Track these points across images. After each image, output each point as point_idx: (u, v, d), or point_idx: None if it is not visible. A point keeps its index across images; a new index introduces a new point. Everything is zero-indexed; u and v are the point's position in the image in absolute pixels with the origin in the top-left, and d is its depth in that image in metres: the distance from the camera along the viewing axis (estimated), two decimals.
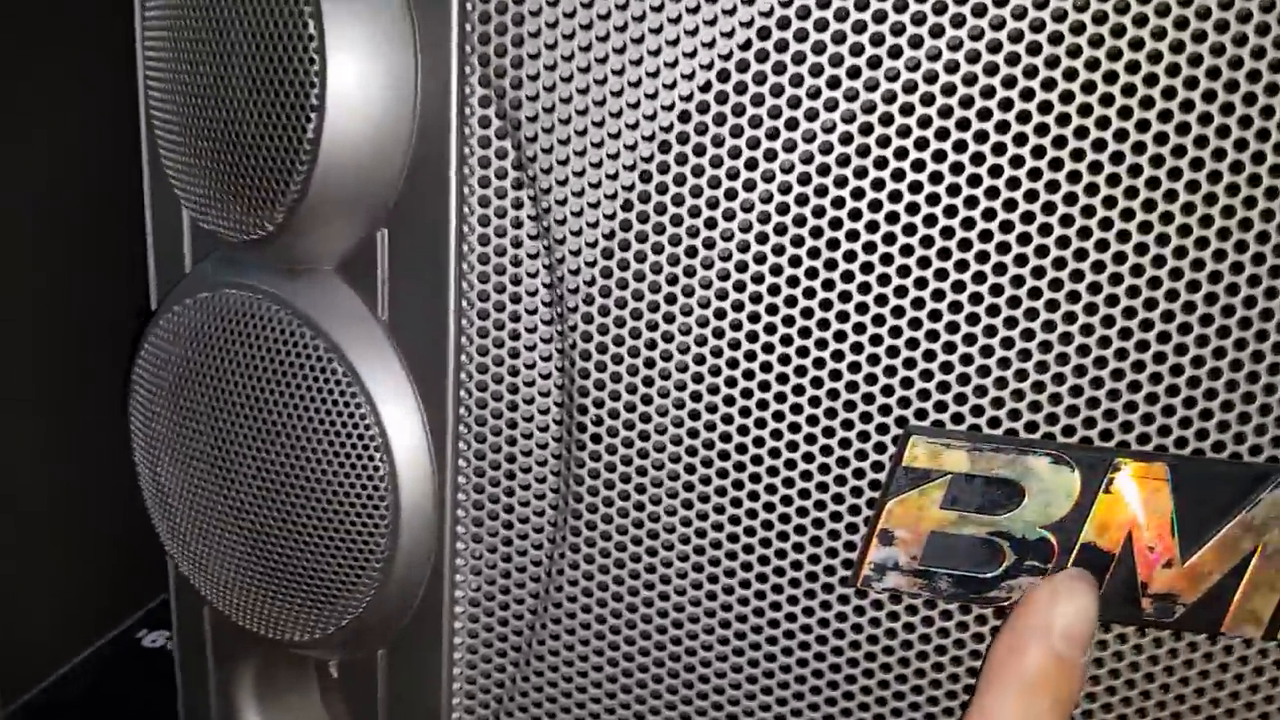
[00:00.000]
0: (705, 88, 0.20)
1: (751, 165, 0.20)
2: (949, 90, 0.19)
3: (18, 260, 0.32)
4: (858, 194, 0.20)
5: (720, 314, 0.21)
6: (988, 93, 0.19)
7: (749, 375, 0.21)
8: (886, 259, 0.20)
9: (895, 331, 0.20)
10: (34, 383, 0.34)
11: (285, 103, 0.21)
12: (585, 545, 0.23)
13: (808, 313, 0.20)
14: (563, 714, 0.24)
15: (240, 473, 0.25)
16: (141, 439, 0.27)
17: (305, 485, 0.24)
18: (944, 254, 0.20)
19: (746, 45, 0.19)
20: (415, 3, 0.21)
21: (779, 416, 0.21)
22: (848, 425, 0.21)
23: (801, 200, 0.20)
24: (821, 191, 0.20)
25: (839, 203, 0.20)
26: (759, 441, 0.21)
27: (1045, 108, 0.19)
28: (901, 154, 0.19)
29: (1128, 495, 0.21)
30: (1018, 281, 0.20)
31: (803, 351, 0.21)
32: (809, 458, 0.21)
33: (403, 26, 0.21)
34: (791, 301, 0.20)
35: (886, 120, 0.19)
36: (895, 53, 0.19)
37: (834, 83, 0.19)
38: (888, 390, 0.20)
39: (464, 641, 0.24)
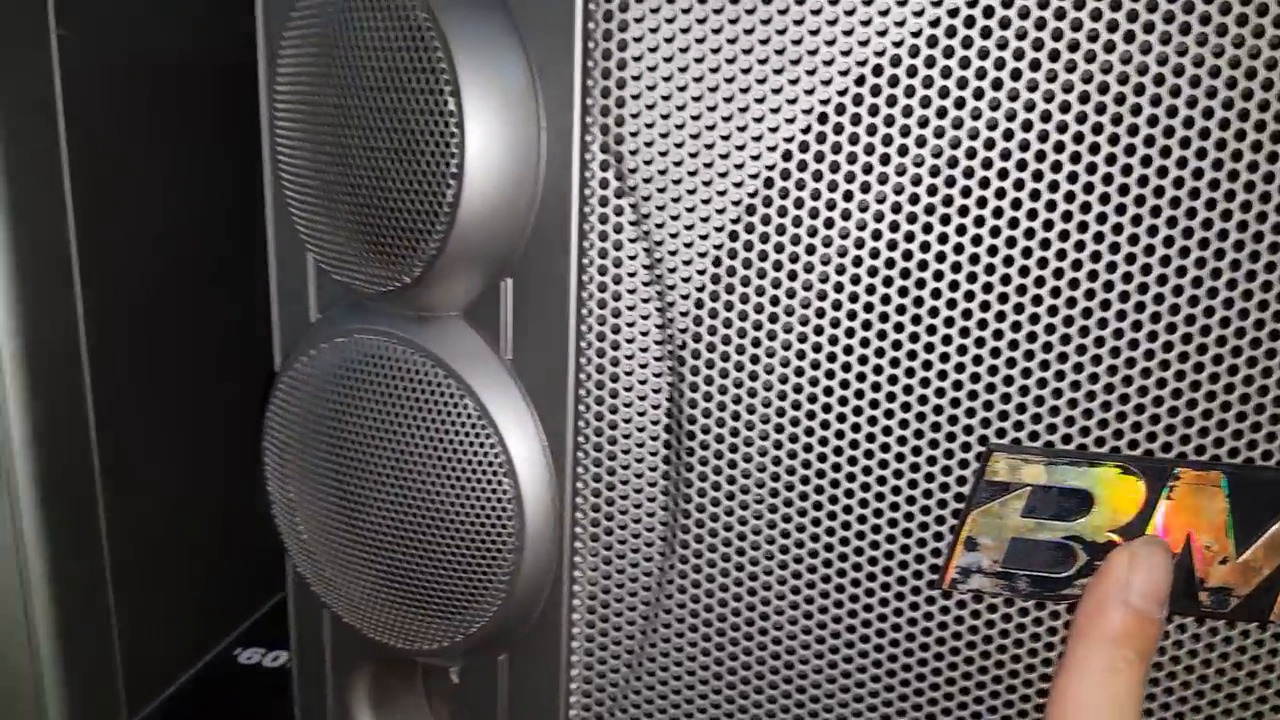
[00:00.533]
0: (803, 147, 0.22)
1: (844, 215, 0.22)
2: (1027, 127, 0.21)
3: (131, 318, 0.35)
4: (943, 238, 0.22)
5: (816, 347, 0.23)
6: (1061, 128, 0.21)
7: (843, 401, 0.23)
8: (969, 296, 0.22)
9: (978, 360, 0.23)
10: (153, 422, 0.36)
11: (426, 170, 0.24)
12: (693, 556, 0.25)
13: (897, 344, 0.23)
14: (672, 709, 0.27)
15: (375, 499, 0.27)
16: (275, 473, 0.29)
17: (438, 508, 0.26)
18: (1021, 290, 0.22)
19: (844, 92, 0.22)
20: (540, 78, 0.24)
21: (871, 438, 0.24)
22: (934, 444, 0.23)
23: (890, 243, 0.22)
24: (911, 219, 0.22)
25: (925, 239, 0.22)
26: (853, 460, 0.24)
27: (1110, 160, 0.21)
28: (985, 183, 0.22)
29: (1187, 500, 0.23)
30: (1087, 314, 0.22)
31: (893, 379, 0.23)
32: (898, 474, 0.24)
33: (528, 99, 0.24)
34: (882, 335, 0.23)
35: (970, 154, 0.22)
36: (979, 94, 0.21)
37: (923, 122, 0.22)
38: (970, 412, 0.23)
39: (581, 645, 0.27)
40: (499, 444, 0.26)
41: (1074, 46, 0.21)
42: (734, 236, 0.23)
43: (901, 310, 0.23)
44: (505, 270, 0.25)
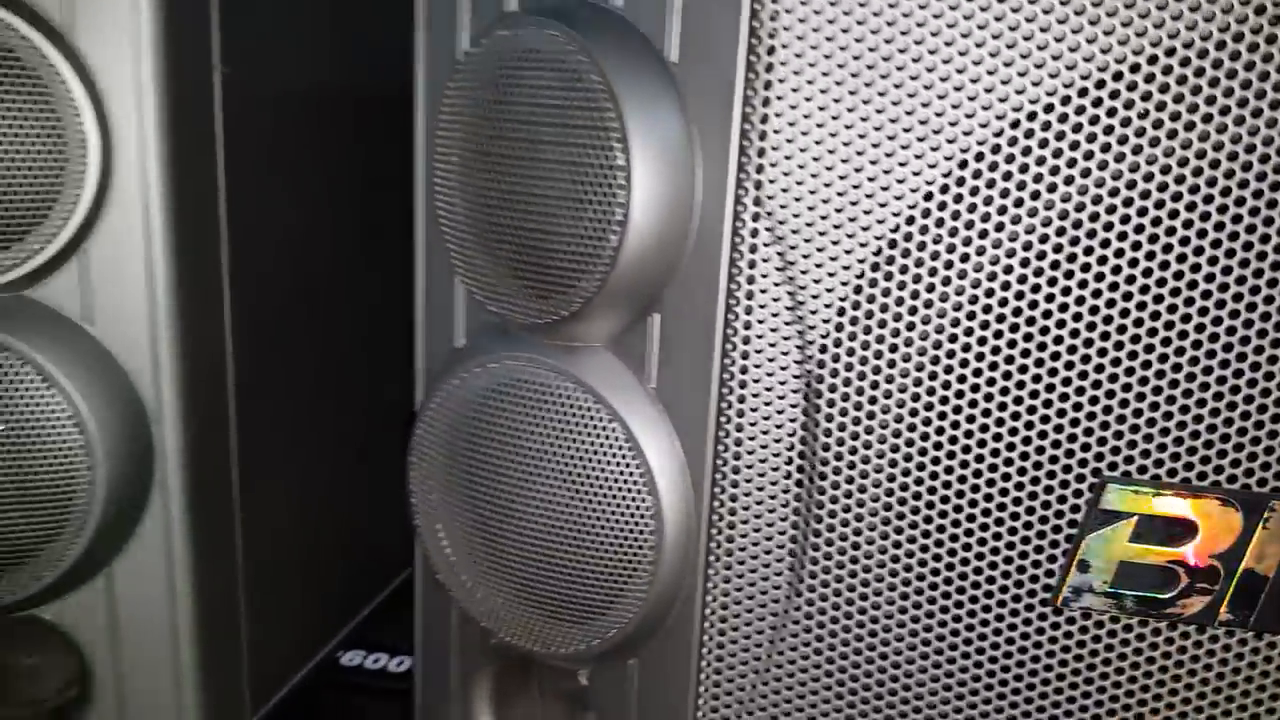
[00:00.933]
0: (940, 206, 0.25)
1: (976, 268, 0.25)
2: (1145, 195, 0.24)
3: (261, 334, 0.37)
4: (1065, 290, 0.25)
5: (945, 384, 0.26)
6: (1176, 197, 0.24)
7: (969, 434, 0.26)
8: (1088, 342, 0.25)
9: (1094, 400, 0.25)
10: (281, 437, 0.39)
11: (593, 218, 0.26)
12: (821, 572, 0.28)
13: (1020, 384, 0.25)
14: (795, 717, 0.29)
15: (520, 512, 0.29)
16: (420, 486, 0.31)
17: (584, 521, 0.28)
18: (1135, 339, 0.25)
19: (980, 157, 0.24)
20: (697, 134, 0.26)
21: (993, 468, 0.26)
22: (1051, 475, 0.26)
23: (1018, 293, 0.25)
24: (1038, 273, 0.25)
25: (1050, 290, 0.24)
26: (975, 488, 0.26)
27: (1219, 226, 0.24)
28: (1105, 244, 0.24)
29: None
30: (1194, 361, 0.25)
31: (1015, 415, 0.25)
32: (1018, 501, 0.26)
33: (685, 153, 0.26)
34: (1007, 375, 0.25)
35: (1094, 217, 0.24)
36: (1103, 165, 0.24)
37: (1051, 188, 0.24)
38: (1085, 446, 0.25)
39: (711, 651, 0.29)
40: (643, 464, 0.28)
41: (1196, 123, 0.23)
42: (872, 283, 0.26)
43: (1026, 354, 0.25)
44: (653, 306, 0.28)
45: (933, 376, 0.26)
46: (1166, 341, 0.25)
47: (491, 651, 0.34)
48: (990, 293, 0.25)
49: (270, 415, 0.38)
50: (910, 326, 0.26)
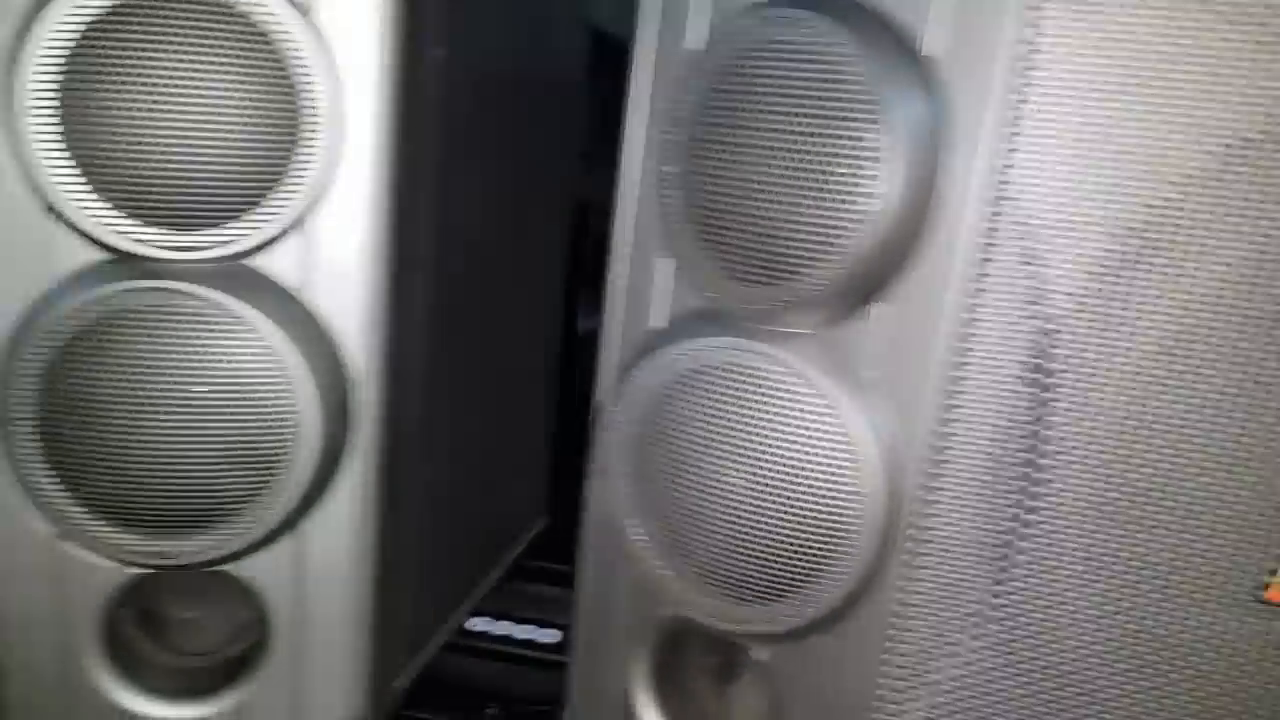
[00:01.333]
0: (1177, 215, 0.25)
1: (1214, 257, 0.25)
2: None
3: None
4: None
5: (1178, 384, 0.26)
6: None
7: (1195, 434, 0.26)
8: None
9: None
10: (450, 405, 0.40)
11: (838, 209, 0.26)
12: (1027, 565, 0.28)
13: (1250, 384, 0.26)
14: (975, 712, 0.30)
15: (721, 493, 0.30)
16: (609, 461, 0.32)
17: (788, 505, 0.29)
18: None
19: (1240, 157, 0.25)
20: (949, 131, 0.26)
21: (1215, 466, 0.27)
22: (1264, 474, 0.26)
23: (1266, 285, 0.25)
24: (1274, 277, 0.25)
25: None
26: (1195, 487, 0.27)
27: None
28: None
29: None
30: None
31: (1231, 413, 0.26)
32: (1237, 496, 0.27)
33: (931, 147, 0.26)
34: (1244, 373, 0.26)
35: None
36: None
37: None
38: None
39: (899, 635, 0.30)
40: (853, 452, 0.28)
41: None
42: (1115, 278, 0.26)
43: (1265, 355, 0.26)
44: (875, 295, 0.28)
45: (1168, 375, 0.27)
46: None
47: (657, 627, 0.35)
48: (1236, 291, 0.26)
49: (444, 385, 0.39)
50: (1150, 326, 0.26)
